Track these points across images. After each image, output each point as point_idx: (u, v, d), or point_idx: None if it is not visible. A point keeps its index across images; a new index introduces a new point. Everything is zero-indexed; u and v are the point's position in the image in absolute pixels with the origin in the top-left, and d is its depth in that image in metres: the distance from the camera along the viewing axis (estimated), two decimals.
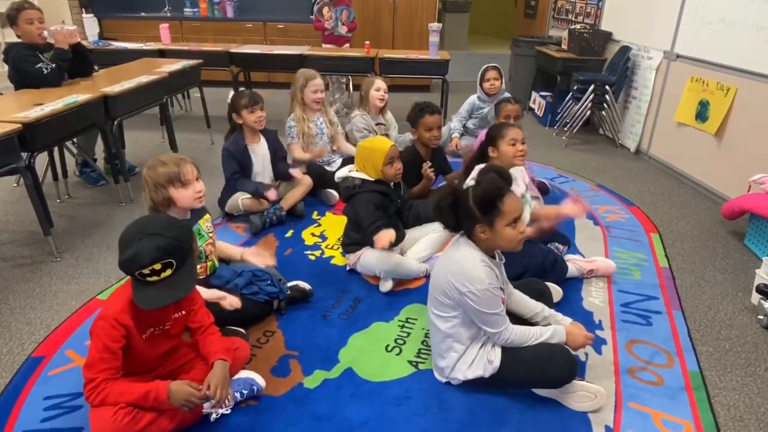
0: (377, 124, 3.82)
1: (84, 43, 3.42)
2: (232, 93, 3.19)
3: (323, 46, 5.52)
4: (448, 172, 3.40)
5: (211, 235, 2.21)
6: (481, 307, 1.72)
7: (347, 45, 5.55)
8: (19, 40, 3.24)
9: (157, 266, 1.50)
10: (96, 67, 3.99)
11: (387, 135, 3.86)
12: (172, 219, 1.70)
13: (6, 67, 3.32)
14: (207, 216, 2.23)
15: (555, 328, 1.84)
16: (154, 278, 1.52)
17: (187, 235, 1.63)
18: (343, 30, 5.39)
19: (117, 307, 1.56)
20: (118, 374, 1.59)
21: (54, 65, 3.20)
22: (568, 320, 1.92)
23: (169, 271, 1.53)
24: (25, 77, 3.19)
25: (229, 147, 3.10)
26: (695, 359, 2.11)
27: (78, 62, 3.40)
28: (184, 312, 1.75)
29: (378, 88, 3.74)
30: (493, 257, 1.81)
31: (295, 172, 3.25)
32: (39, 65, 3.18)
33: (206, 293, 2.01)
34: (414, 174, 3.04)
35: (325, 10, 5.27)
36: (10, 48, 3.22)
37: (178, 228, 1.61)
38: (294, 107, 3.53)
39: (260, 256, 2.30)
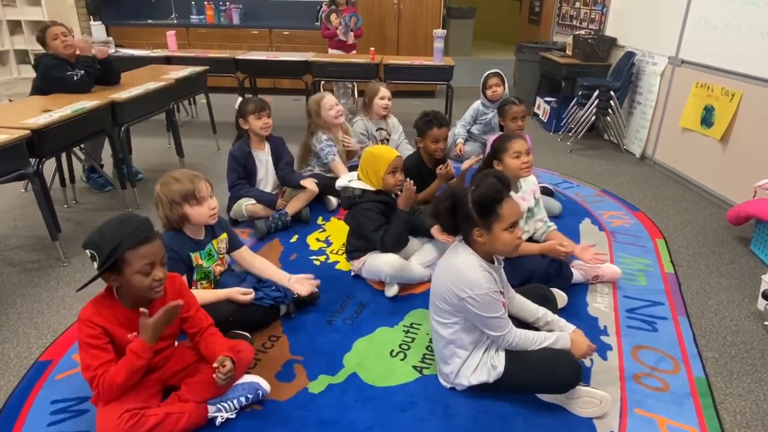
0: (377, 129, 3.83)
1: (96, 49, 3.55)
2: (240, 99, 3.20)
3: (330, 51, 5.54)
4: (451, 179, 3.40)
5: (221, 256, 2.23)
6: (482, 312, 1.72)
7: (354, 51, 5.58)
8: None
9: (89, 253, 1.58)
10: None
11: (387, 140, 3.89)
12: (132, 220, 1.71)
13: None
14: (223, 236, 2.24)
15: (559, 334, 1.84)
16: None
17: (117, 237, 1.62)
18: (351, 37, 5.42)
19: (89, 312, 1.60)
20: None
21: (83, 71, 3.34)
22: (571, 327, 1.91)
23: (95, 263, 1.58)
24: (56, 84, 3.31)
25: (234, 152, 3.14)
26: (701, 365, 2.10)
27: (106, 72, 3.53)
28: None
29: (383, 96, 3.75)
30: (491, 261, 1.81)
31: (307, 182, 3.20)
32: (70, 72, 3.32)
33: (206, 296, 2.03)
34: (418, 181, 3.04)
35: (333, 17, 5.30)
36: (41, 57, 3.37)
37: (118, 226, 1.67)
38: (317, 132, 3.45)
39: (303, 285, 2.31)
